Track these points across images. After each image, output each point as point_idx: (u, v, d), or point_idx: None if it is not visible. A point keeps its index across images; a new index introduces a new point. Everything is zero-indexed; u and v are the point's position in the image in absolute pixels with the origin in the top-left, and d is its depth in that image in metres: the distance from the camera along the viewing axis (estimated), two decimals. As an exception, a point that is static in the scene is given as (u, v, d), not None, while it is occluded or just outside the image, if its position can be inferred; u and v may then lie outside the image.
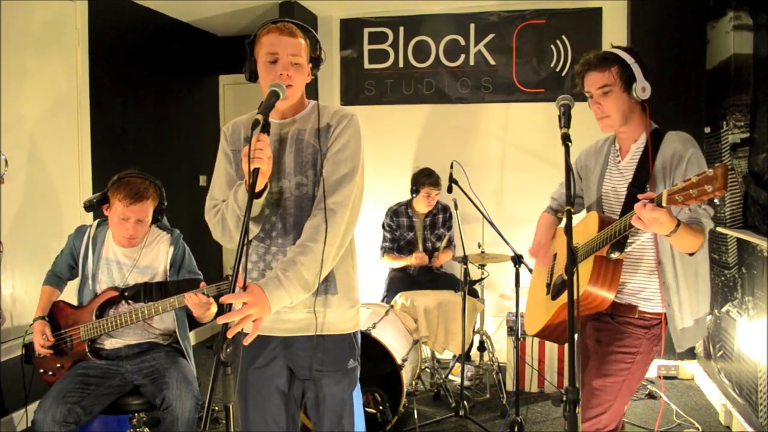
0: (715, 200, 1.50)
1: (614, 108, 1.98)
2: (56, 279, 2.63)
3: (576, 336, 2.45)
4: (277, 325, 1.78)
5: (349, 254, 1.84)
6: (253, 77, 1.80)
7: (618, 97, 1.97)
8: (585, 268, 1.95)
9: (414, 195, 4.12)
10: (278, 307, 1.59)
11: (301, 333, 1.79)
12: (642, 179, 1.96)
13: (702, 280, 2.00)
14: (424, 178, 4.06)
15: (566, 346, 3.17)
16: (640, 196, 1.66)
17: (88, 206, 2.47)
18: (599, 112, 2.02)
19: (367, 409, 3.07)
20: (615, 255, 1.91)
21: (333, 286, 1.78)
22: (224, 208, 1.77)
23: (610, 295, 1.93)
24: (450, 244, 4.24)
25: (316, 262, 1.64)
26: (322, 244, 1.65)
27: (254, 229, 1.78)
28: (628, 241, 1.97)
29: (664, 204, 1.59)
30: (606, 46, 4.23)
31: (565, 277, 2.12)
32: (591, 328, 2.09)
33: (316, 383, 1.81)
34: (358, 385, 1.88)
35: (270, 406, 1.85)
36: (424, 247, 4.16)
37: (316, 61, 1.82)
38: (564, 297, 2.05)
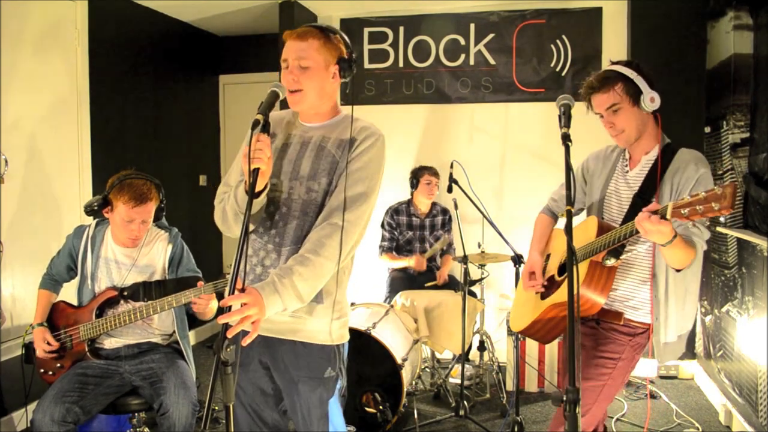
0: (721, 219, 1.48)
1: (627, 124, 1.97)
2: (52, 282, 2.62)
3: (561, 338, 2.45)
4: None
5: (344, 268, 1.81)
6: None
7: (629, 113, 1.96)
8: (579, 270, 1.95)
9: (414, 189, 4.13)
10: (272, 311, 1.58)
11: (281, 336, 1.78)
12: (649, 191, 1.95)
13: (690, 298, 2.00)
14: (422, 170, 4.12)
15: (566, 345, 3.16)
16: (645, 209, 1.66)
17: (90, 211, 2.46)
18: (613, 130, 2.01)
19: (367, 408, 3.08)
20: (610, 262, 1.91)
21: (319, 294, 1.75)
22: (226, 200, 1.78)
23: (600, 300, 1.93)
24: (449, 247, 4.24)
25: (313, 275, 1.63)
26: (324, 259, 1.64)
27: (252, 225, 1.77)
28: (626, 249, 1.97)
29: (668, 217, 1.59)
30: (606, 46, 4.30)
31: (557, 278, 2.12)
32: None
33: (292, 387, 1.80)
34: (336, 395, 1.84)
35: (254, 404, 1.85)
36: (422, 248, 4.16)
37: (345, 62, 1.76)
38: (553, 297, 2.06)
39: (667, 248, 1.71)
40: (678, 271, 1.87)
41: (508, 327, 3.93)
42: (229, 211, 1.75)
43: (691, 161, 1.92)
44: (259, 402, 1.86)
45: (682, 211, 1.53)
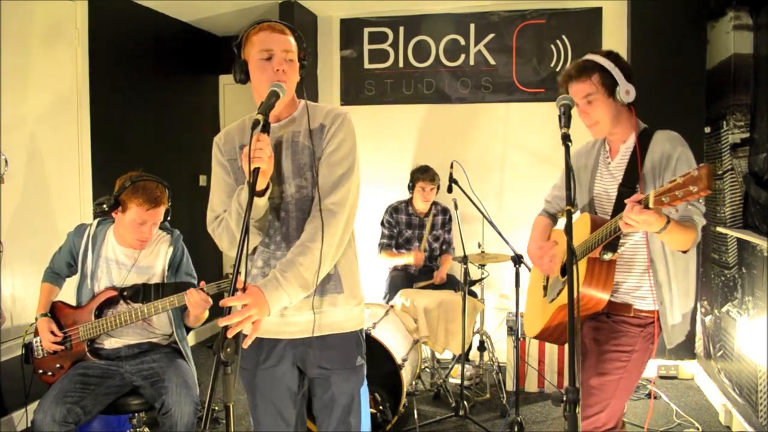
0: (700, 200, 1.49)
1: (601, 114, 1.99)
2: (54, 276, 2.63)
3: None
4: (284, 328, 1.78)
5: (351, 251, 1.85)
6: (243, 79, 1.81)
7: (603, 104, 1.98)
8: (579, 269, 1.95)
9: (411, 192, 4.13)
10: (278, 308, 1.59)
11: (308, 334, 1.79)
12: (632, 179, 1.97)
13: (690, 277, 2.01)
14: (419, 174, 4.09)
15: (566, 345, 3.17)
16: (627, 201, 1.67)
17: (99, 212, 2.45)
18: (587, 119, 2.03)
19: (367, 409, 3.07)
20: (608, 256, 1.92)
21: (339, 285, 1.79)
22: (227, 216, 1.75)
23: (605, 296, 1.93)
24: (449, 246, 4.24)
25: (315, 262, 1.65)
26: (321, 244, 1.66)
27: (259, 236, 1.77)
28: (621, 241, 1.97)
29: (651, 206, 1.60)
30: (606, 46, 4.25)
31: (561, 279, 2.12)
32: (588, 327, 2.09)
33: (324, 381, 1.82)
34: (365, 383, 1.88)
35: (280, 406, 1.85)
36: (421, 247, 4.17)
37: (301, 61, 1.83)
38: (560, 299, 2.05)
39: (663, 235, 1.72)
40: (685, 252, 1.88)
41: (509, 327, 3.94)
42: (233, 224, 1.72)
43: (667, 142, 1.94)
44: (285, 402, 1.86)
45: (663, 199, 1.55)
